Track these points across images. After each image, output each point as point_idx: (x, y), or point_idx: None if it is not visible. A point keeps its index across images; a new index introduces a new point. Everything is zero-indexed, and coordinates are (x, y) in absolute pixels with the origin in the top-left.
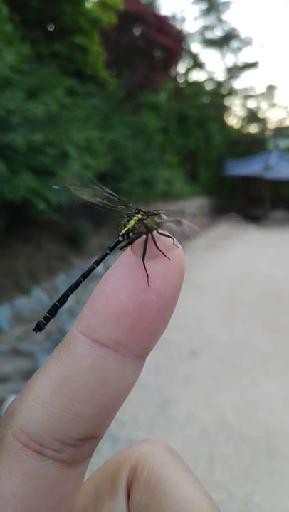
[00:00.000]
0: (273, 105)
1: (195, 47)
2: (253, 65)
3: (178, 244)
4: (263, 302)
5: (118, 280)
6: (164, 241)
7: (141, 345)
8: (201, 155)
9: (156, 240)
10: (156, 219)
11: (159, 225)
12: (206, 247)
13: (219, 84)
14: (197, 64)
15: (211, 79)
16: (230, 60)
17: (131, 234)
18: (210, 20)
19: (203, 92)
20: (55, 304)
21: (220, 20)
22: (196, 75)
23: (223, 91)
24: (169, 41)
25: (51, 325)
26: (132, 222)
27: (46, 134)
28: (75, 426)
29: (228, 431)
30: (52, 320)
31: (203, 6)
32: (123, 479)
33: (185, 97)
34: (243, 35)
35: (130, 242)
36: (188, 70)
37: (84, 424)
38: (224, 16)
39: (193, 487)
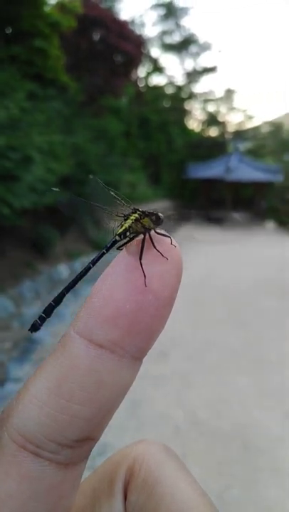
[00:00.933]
0: (232, 109)
1: (155, 51)
2: (212, 69)
3: (175, 244)
4: (225, 301)
5: (115, 280)
6: (161, 241)
7: (138, 346)
8: (162, 158)
9: (153, 239)
10: (154, 218)
11: (156, 224)
12: None
13: (179, 88)
14: (157, 68)
15: (171, 83)
16: (190, 64)
17: (128, 233)
18: (169, 25)
19: (164, 96)
20: (50, 303)
21: (178, 26)
22: (157, 80)
23: (183, 95)
24: (129, 46)
25: (18, 333)
26: (128, 222)
27: (8, 138)
28: (72, 427)
29: (201, 428)
30: (47, 320)
31: (162, 11)
32: (120, 480)
33: (146, 101)
34: (201, 40)
35: (127, 242)
36: (149, 74)
37: (81, 426)
38: (183, 22)
39: (190, 487)
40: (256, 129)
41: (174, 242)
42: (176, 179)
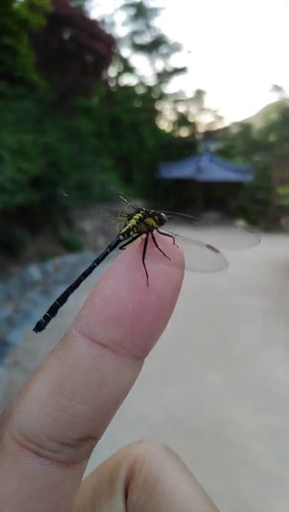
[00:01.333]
0: (202, 109)
1: (125, 51)
2: (182, 70)
3: (178, 244)
4: (197, 300)
5: (117, 280)
6: (164, 240)
7: (140, 346)
8: (134, 158)
9: (156, 239)
10: (157, 218)
11: (159, 224)
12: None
13: (150, 88)
14: (128, 68)
15: (141, 83)
16: (160, 65)
17: (131, 233)
18: (139, 25)
19: (135, 96)
20: (55, 303)
21: (148, 26)
22: (127, 80)
23: (154, 95)
24: (99, 45)
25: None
26: (132, 222)
27: None
28: (74, 426)
29: (178, 425)
30: (52, 319)
31: (132, 11)
32: (121, 479)
33: (117, 101)
34: (171, 41)
35: (130, 241)
36: (119, 74)
37: (82, 425)
38: (153, 22)
39: (191, 487)
40: (226, 129)
41: (176, 242)
42: (148, 179)
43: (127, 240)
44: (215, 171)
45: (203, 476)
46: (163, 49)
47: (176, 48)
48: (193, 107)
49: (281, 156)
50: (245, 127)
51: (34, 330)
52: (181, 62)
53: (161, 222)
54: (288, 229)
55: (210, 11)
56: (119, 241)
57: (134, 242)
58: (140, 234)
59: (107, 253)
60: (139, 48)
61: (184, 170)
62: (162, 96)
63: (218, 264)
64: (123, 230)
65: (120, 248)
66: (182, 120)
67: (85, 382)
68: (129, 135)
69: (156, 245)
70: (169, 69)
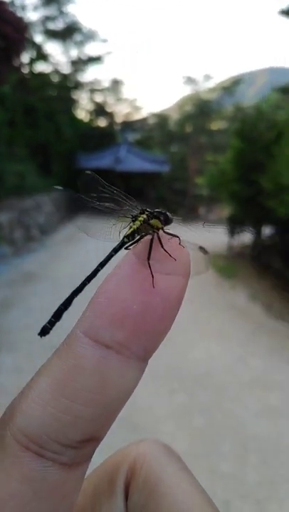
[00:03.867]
0: (120, 99)
1: (38, 38)
2: (98, 59)
3: (184, 245)
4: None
5: (122, 280)
6: (169, 241)
7: (144, 347)
8: (52, 148)
9: (161, 240)
10: (162, 218)
11: (165, 224)
12: (65, 241)
13: (65, 76)
14: (41, 55)
15: (56, 71)
16: (75, 53)
17: (136, 235)
18: (51, 11)
19: (50, 84)
20: (60, 307)
21: (61, 12)
22: (42, 67)
23: (70, 84)
24: (8, 28)
25: None
26: (137, 223)
27: None
28: (76, 428)
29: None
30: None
31: None
32: (121, 479)
33: (31, 89)
34: (86, 28)
35: (135, 242)
36: (33, 61)
37: (85, 426)
38: (66, 8)
39: (191, 487)
40: (144, 120)
41: (182, 243)
42: (67, 169)
43: (132, 241)
44: (133, 161)
45: None
46: (77, 36)
47: (90, 36)
48: (111, 97)
49: (196, 147)
50: (162, 118)
51: (39, 334)
52: (96, 51)
53: (166, 222)
54: (206, 218)
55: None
56: (123, 243)
57: (139, 242)
58: (145, 235)
59: (112, 256)
60: (52, 34)
61: (102, 160)
62: (78, 85)
63: (206, 266)
64: (128, 233)
65: (125, 249)
66: (99, 110)
67: (88, 384)
68: (45, 124)
69: (162, 246)
70: (83, 57)
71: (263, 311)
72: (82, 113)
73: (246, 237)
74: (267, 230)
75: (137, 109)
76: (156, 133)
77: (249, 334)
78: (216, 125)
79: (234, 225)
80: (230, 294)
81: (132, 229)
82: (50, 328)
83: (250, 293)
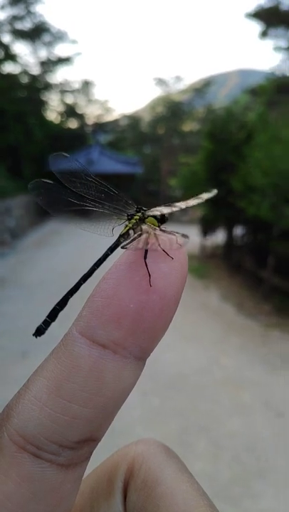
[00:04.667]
0: (91, 101)
1: (6, 38)
2: (67, 60)
3: (181, 243)
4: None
5: (119, 279)
6: (166, 239)
7: (141, 347)
8: (22, 150)
9: (158, 238)
10: (158, 217)
11: (161, 222)
12: (36, 245)
13: (34, 78)
14: (9, 56)
15: (25, 72)
16: (44, 53)
17: (132, 233)
18: (19, 10)
19: (19, 85)
20: (55, 307)
21: (29, 12)
22: (10, 68)
23: (39, 85)
24: None
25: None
26: (133, 222)
27: None
28: (73, 428)
29: None
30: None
31: None
32: (120, 479)
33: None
34: (55, 29)
35: (132, 241)
36: (0, 61)
37: (82, 427)
38: (34, 8)
39: (191, 488)
40: (116, 121)
41: (179, 241)
42: (38, 172)
43: (128, 240)
44: (106, 163)
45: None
46: (46, 37)
47: (60, 36)
48: (81, 99)
49: (169, 148)
50: (134, 120)
51: (34, 335)
52: (66, 52)
53: (163, 220)
54: (179, 219)
55: (97, 1)
56: (119, 242)
57: (135, 241)
58: (142, 233)
59: (108, 255)
60: (20, 34)
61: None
62: (48, 86)
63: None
64: (123, 231)
65: (122, 248)
66: (70, 111)
67: (85, 384)
68: (14, 126)
69: (159, 244)
70: (53, 58)
71: (234, 310)
72: (53, 115)
73: (218, 237)
74: (238, 230)
75: (109, 110)
76: (129, 134)
77: (221, 333)
78: (188, 126)
79: (206, 225)
80: (202, 295)
81: (127, 227)
82: (46, 329)
83: (223, 293)
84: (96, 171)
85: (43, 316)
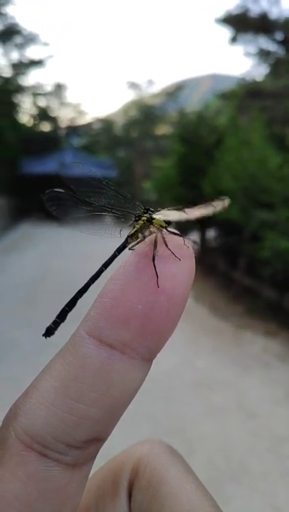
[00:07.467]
0: (64, 104)
1: None
2: (39, 62)
3: (188, 244)
4: (60, 298)
5: (127, 280)
6: (174, 240)
7: (149, 348)
8: None
9: (166, 239)
10: (162, 216)
11: (169, 223)
12: (8, 249)
13: (6, 80)
14: None
15: None
16: (15, 56)
17: (140, 234)
18: None
19: None
20: (64, 308)
21: (0, 14)
22: None
23: (11, 87)
24: None
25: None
26: (140, 223)
27: None
28: (80, 428)
29: None
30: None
31: None
32: (125, 479)
33: None
34: (26, 31)
35: (139, 242)
36: None
37: (89, 427)
38: (5, 9)
39: (195, 488)
40: (89, 125)
41: (186, 242)
42: (9, 175)
43: (135, 241)
44: (79, 166)
45: None
46: (17, 39)
47: (31, 38)
48: (54, 102)
49: (142, 152)
50: (108, 123)
51: (44, 335)
52: (38, 54)
53: (170, 221)
54: None
55: (69, 3)
56: (127, 243)
57: (142, 242)
58: (149, 234)
59: (115, 256)
60: None
61: (47, 165)
62: (20, 88)
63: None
64: (131, 232)
65: (129, 249)
66: (43, 114)
67: (92, 384)
68: None
69: (166, 245)
70: (25, 60)
71: (207, 311)
72: (26, 117)
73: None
74: (211, 233)
75: (82, 113)
76: (102, 138)
77: (194, 335)
78: (161, 130)
79: (179, 228)
80: None
81: (135, 229)
82: (55, 329)
83: (196, 294)
84: (69, 175)
85: (13, 321)
